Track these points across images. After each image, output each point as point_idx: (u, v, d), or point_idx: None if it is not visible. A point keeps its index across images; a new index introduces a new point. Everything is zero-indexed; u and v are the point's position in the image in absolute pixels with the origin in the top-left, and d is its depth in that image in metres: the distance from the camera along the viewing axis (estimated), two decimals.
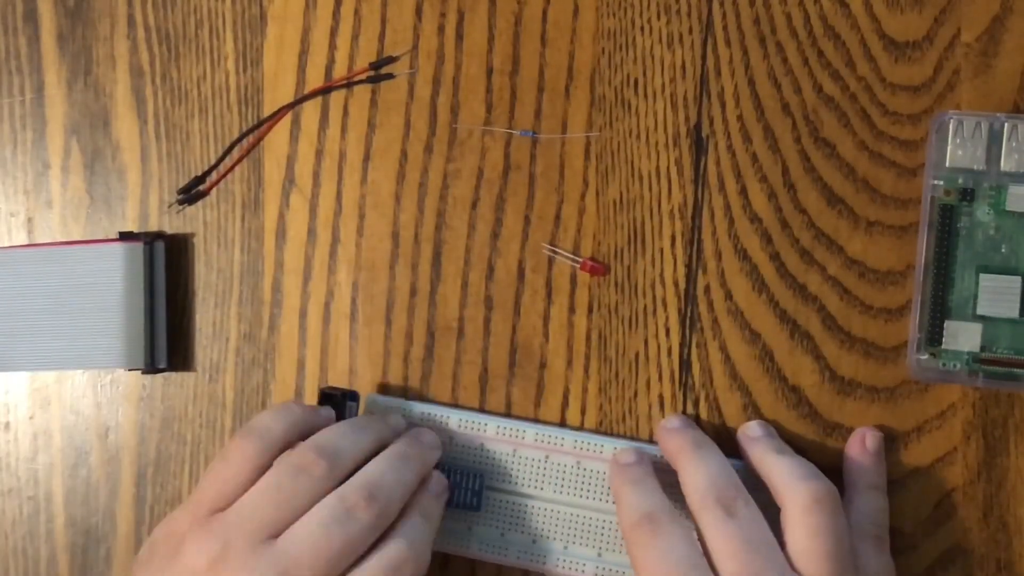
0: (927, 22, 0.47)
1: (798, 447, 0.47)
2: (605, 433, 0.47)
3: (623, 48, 0.48)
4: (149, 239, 0.49)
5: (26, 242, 0.51)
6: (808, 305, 0.47)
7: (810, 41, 0.47)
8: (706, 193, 0.48)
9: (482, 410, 0.48)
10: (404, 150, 0.49)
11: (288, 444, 0.43)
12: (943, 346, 0.45)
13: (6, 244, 0.51)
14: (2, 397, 0.51)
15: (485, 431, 0.47)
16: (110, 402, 0.50)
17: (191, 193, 0.50)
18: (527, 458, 0.47)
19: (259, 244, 0.50)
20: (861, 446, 0.45)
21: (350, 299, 0.49)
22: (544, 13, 0.48)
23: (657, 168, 0.48)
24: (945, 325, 0.45)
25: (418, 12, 0.49)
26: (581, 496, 0.46)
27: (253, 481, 0.42)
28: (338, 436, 0.44)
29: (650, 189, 0.48)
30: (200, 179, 0.50)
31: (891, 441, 0.46)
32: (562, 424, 0.48)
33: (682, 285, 0.48)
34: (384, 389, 0.49)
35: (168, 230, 0.50)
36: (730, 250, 0.47)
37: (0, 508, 0.51)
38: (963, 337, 0.45)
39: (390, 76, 0.49)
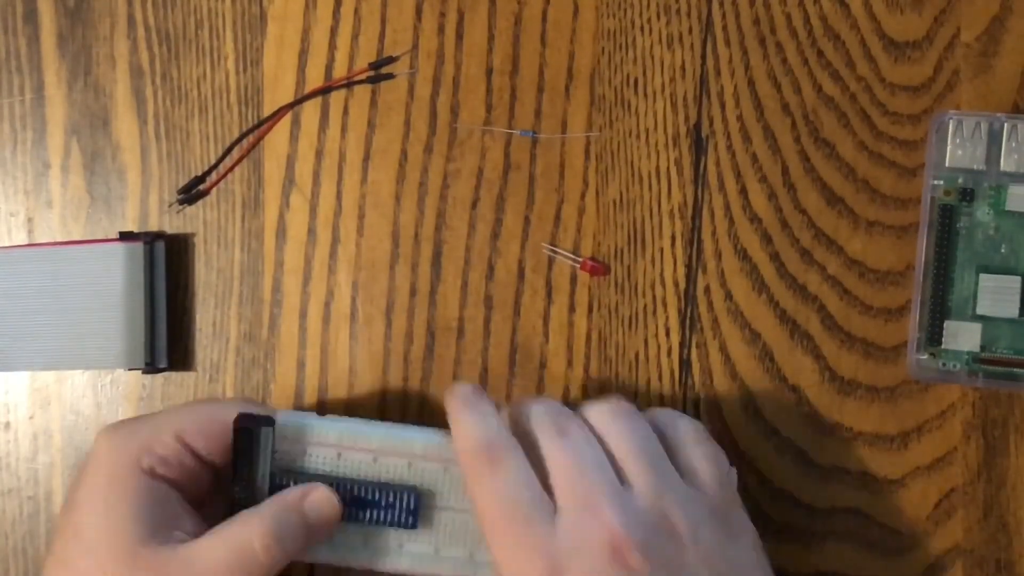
0: (927, 22, 0.47)
1: (798, 447, 0.47)
2: None
3: (623, 48, 0.48)
4: (149, 239, 0.49)
5: (26, 242, 0.51)
6: (808, 305, 0.47)
7: (810, 41, 0.47)
8: (706, 193, 0.48)
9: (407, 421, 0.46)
10: (404, 150, 0.49)
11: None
12: (943, 346, 0.45)
13: (6, 244, 0.51)
14: (2, 397, 0.51)
15: (413, 448, 0.44)
16: (110, 402, 0.50)
17: (191, 193, 0.50)
18: (457, 475, 0.43)
19: (259, 244, 0.50)
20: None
21: (350, 299, 0.49)
22: (544, 13, 0.48)
23: (657, 168, 0.48)
24: (945, 325, 0.45)
25: (418, 12, 0.49)
26: None
27: None
28: None
29: (650, 189, 0.48)
30: (200, 179, 0.50)
31: (891, 441, 0.46)
32: None
33: (682, 285, 0.48)
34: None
35: (168, 230, 0.50)
36: (730, 250, 0.47)
37: (0, 508, 0.50)
38: (963, 337, 0.45)
39: (390, 76, 0.49)
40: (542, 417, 0.42)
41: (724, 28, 0.47)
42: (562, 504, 0.40)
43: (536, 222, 0.48)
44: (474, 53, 0.49)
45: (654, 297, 0.48)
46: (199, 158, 0.50)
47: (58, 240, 0.51)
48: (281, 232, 0.50)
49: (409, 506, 0.43)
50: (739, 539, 0.41)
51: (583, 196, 0.48)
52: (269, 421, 0.43)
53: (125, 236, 0.49)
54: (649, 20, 0.48)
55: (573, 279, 0.48)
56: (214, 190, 0.50)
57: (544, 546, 0.39)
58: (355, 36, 0.49)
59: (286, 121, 0.50)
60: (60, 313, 0.49)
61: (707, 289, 0.47)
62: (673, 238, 0.48)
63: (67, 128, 0.51)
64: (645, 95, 0.48)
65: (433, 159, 0.49)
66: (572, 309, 0.48)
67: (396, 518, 0.43)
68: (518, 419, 0.42)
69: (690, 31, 0.48)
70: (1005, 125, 0.45)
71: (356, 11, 0.49)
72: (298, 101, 0.49)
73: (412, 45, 0.49)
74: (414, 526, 0.43)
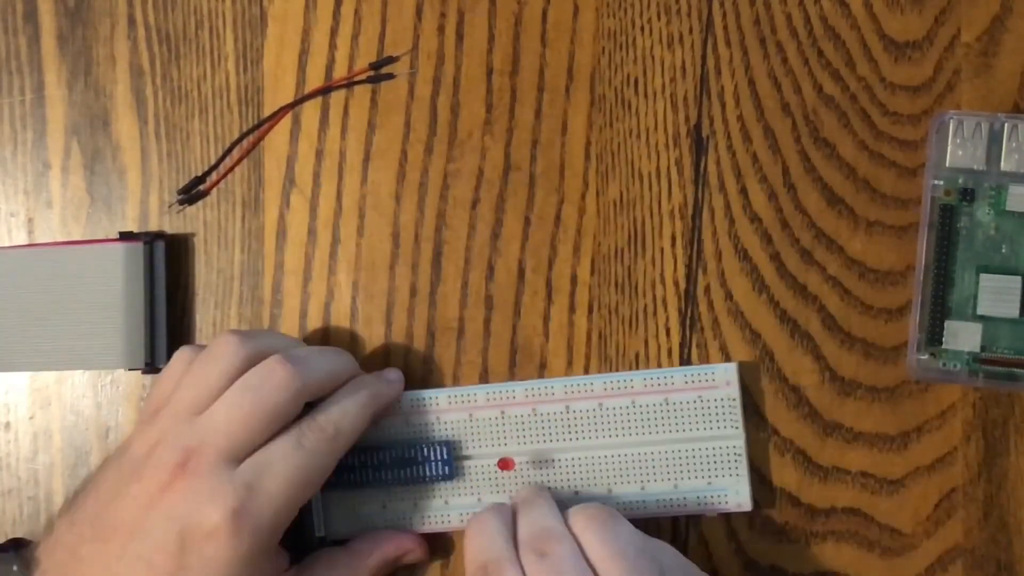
0: (927, 22, 0.47)
1: (798, 447, 0.47)
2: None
3: (623, 48, 0.48)
4: (149, 239, 0.49)
5: (26, 242, 0.51)
6: (808, 305, 0.47)
7: (810, 41, 0.47)
8: (706, 193, 0.48)
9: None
10: (404, 150, 0.49)
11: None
12: (943, 346, 0.45)
13: (6, 244, 0.51)
14: (2, 397, 0.51)
15: (439, 403, 0.47)
16: (110, 402, 0.50)
17: (191, 193, 0.50)
18: (483, 419, 0.47)
19: (259, 244, 0.50)
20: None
21: (350, 299, 0.49)
22: (544, 13, 0.48)
23: (657, 168, 0.48)
24: (945, 325, 0.45)
25: (418, 12, 0.49)
26: (545, 442, 0.47)
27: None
28: (270, 336, 0.46)
29: (650, 189, 0.48)
30: (200, 179, 0.50)
31: (891, 441, 0.46)
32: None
33: (682, 285, 0.48)
34: None
35: (168, 230, 0.50)
36: (730, 250, 0.47)
37: (0, 508, 0.51)
38: (963, 337, 0.45)
39: (390, 76, 0.49)
40: (529, 537, 0.42)
41: (724, 28, 0.47)
42: None
43: (536, 222, 0.48)
44: (474, 53, 0.49)
45: (654, 297, 0.48)
46: (199, 158, 0.50)
47: (58, 240, 0.51)
48: (281, 232, 0.50)
49: (443, 456, 0.46)
50: None
51: (583, 196, 0.48)
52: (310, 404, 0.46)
53: (125, 236, 0.49)
54: (649, 20, 0.48)
55: (573, 279, 0.48)
56: (214, 190, 0.50)
57: None
58: (355, 36, 0.49)
59: (286, 121, 0.50)
60: (60, 313, 0.49)
61: (707, 289, 0.47)
62: (673, 238, 0.48)
63: (67, 128, 0.51)
64: (645, 95, 0.48)
65: (433, 159, 0.49)
66: (572, 309, 0.48)
67: (434, 471, 0.46)
68: (521, 527, 0.43)
69: (690, 31, 0.48)
70: (1005, 125, 0.45)
71: (356, 11, 0.49)
72: (298, 101, 0.49)
73: (412, 45, 0.49)
74: (451, 476, 0.46)
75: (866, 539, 0.46)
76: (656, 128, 0.48)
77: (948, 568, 0.46)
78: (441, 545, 0.48)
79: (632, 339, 0.48)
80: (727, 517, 0.47)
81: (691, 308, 0.48)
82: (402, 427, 0.47)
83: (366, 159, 0.49)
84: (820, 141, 0.47)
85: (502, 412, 0.47)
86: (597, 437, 0.46)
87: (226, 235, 0.50)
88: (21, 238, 0.51)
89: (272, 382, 0.43)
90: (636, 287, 0.48)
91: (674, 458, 0.46)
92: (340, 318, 0.49)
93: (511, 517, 0.44)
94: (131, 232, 0.50)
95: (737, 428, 0.46)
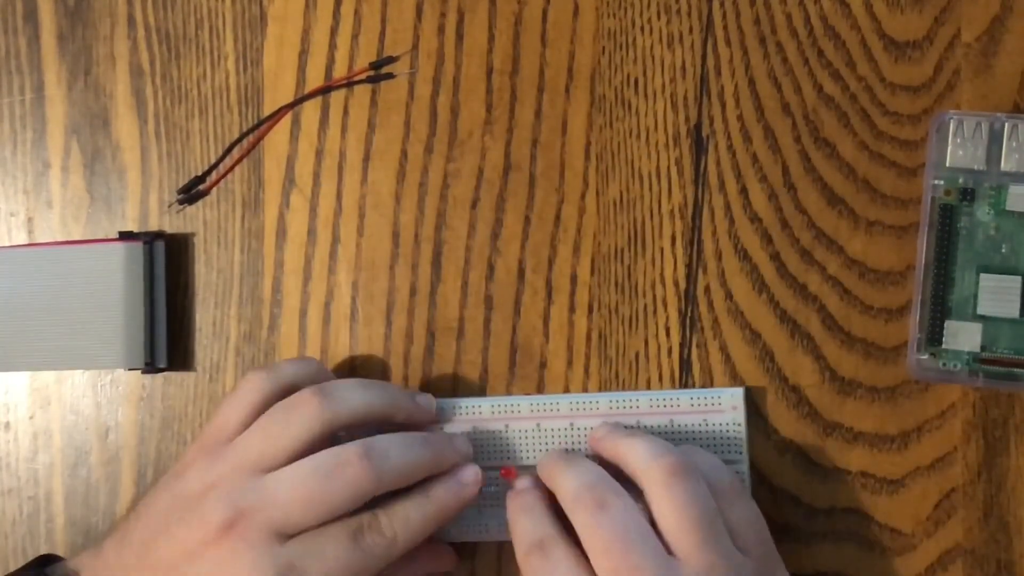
0: (927, 22, 0.47)
1: (798, 447, 0.47)
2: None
3: (623, 48, 0.48)
4: (149, 239, 0.49)
5: (26, 242, 0.51)
6: (808, 305, 0.47)
7: (810, 41, 0.47)
8: (706, 193, 0.48)
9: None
10: (404, 150, 0.49)
11: (297, 387, 0.44)
12: (943, 346, 0.45)
13: (6, 244, 0.51)
14: (2, 397, 0.51)
15: (442, 414, 0.47)
16: (110, 402, 0.50)
17: (191, 193, 0.50)
18: (488, 433, 0.47)
19: (259, 244, 0.50)
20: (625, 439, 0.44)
21: (350, 299, 0.49)
22: (544, 13, 0.48)
23: (657, 168, 0.48)
24: (945, 325, 0.45)
25: (418, 12, 0.49)
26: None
27: (258, 415, 0.43)
28: (344, 385, 0.44)
29: (650, 189, 0.48)
30: (200, 179, 0.50)
31: (891, 441, 0.46)
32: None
33: (682, 285, 0.48)
34: None
35: (168, 230, 0.50)
36: (730, 250, 0.47)
37: (0, 508, 0.50)
38: (963, 337, 0.45)
39: (390, 76, 0.49)
40: (581, 492, 0.41)
41: (724, 28, 0.47)
42: None
43: (536, 222, 0.48)
44: (474, 53, 0.49)
45: (654, 297, 0.48)
46: (199, 158, 0.50)
47: (58, 240, 0.51)
48: (281, 232, 0.50)
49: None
50: None
51: (583, 196, 0.48)
52: None
53: (125, 236, 0.49)
54: (649, 20, 0.48)
55: (573, 279, 0.48)
56: (214, 190, 0.50)
57: None
58: (355, 36, 0.49)
59: (286, 121, 0.50)
60: (60, 313, 0.49)
61: (707, 289, 0.47)
62: (673, 238, 0.48)
63: (67, 128, 0.51)
64: (645, 95, 0.48)
65: (433, 159, 0.49)
66: (572, 309, 0.48)
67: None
68: (558, 493, 0.42)
69: (690, 31, 0.48)
70: (1005, 125, 0.45)
71: (356, 11, 0.49)
72: (298, 101, 0.49)
73: (412, 45, 0.49)
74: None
75: (866, 539, 0.46)
76: (656, 128, 0.48)
77: (948, 568, 0.46)
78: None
79: (632, 339, 0.48)
80: None
81: (691, 308, 0.47)
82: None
83: (366, 159, 0.49)
84: (820, 141, 0.47)
85: (506, 426, 0.47)
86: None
87: (226, 235, 0.50)
88: (21, 238, 0.51)
89: (346, 476, 0.42)
90: (636, 287, 0.48)
91: None
92: (340, 318, 0.49)
93: (545, 491, 0.43)
94: (131, 232, 0.50)
95: (741, 453, 0.46)
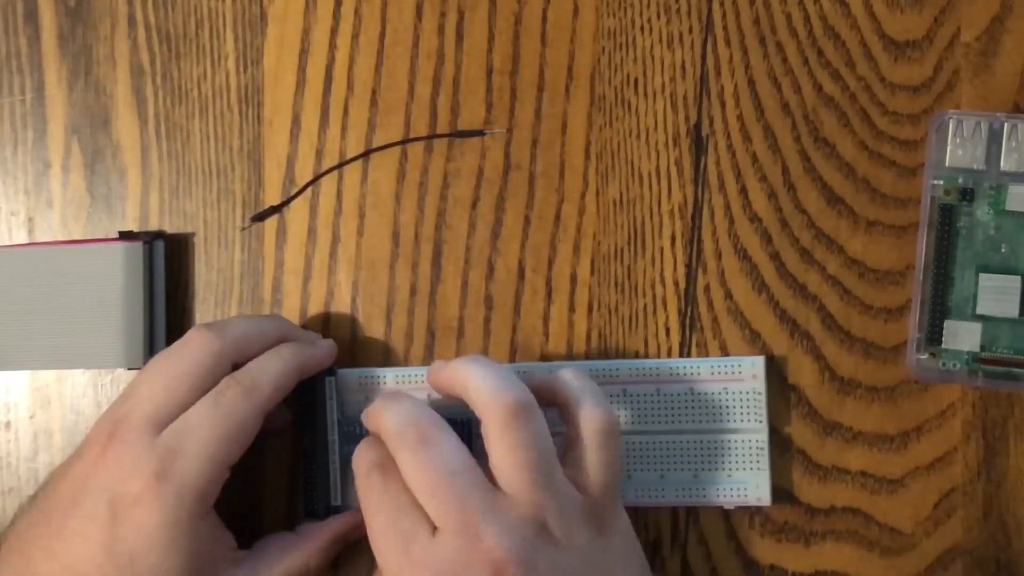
0: (927, 22, 0.47)
1: (798, 447, 0.47)
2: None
3: (623, 48, 0.48)
4: (149, 239, 0.49)
5: (26, 241, 0.51)
6: (808, 305, 0.47)
7: (810, 41, 0.47)
8: (706, 193, 0.48)
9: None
10: (404, 150, 0.49)
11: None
12: (943, 346, 0.45)
13: (6, 243, 0.51)
14: (2, 397, 0.51)
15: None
16: (110, 401, 0.50)
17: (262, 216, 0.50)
18: None
19: (259, 244, 0.50)
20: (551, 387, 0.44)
21: (350, 299, 0.49)
22: (544, 13, 0.48)
23: (657, 168, 0.48)
24: (945, 325, 0.45)
25: (418, 12, 0.49)
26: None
27: None
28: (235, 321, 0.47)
29: (650, 189, 0.48)
30: (275, 209, 0.49)
31: (891, 441, 0.46)
32: None
33: (682, 285, 0.48)
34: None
35: (168, 230, 0.50)
36: (730, 250, 0.47)
37: (0, 508, 0.50)
38: (963, 337, 0.45)
39: (480, 133, 0.48)
40: (403, 429, 0.41)
41: (724, 28, 0.48)
42: (439, 524, 0.40)
43: (536, 222, 0.48)
44: (474, 53, 0.49)
45: (654, 297, 0.48)
46: (199, 158, 0.50)
47: (58, 239, 0.51)
48: (281, 232, 0.50)
49: (463, 432, 0.45)
50: (611, 539, 0.42)
51: (583, 196, 0.48)
52: (331, 371, 0.47)
53: (125, 236, 0.49)
54: (649, 20, 0.48)
55: (573, 278, 0.48)
56: (215, 189, 0.50)
57: (427, 567, 0.40)
58: (355, 36, 0.49)
59: (286, 121, 0.50)
60: (60, 313, 0.49)
61: (707, 289, 0.47)
62: (673, 238, 0.48)
63: (67, 128, 0.51)
64: (645, 95, 0.48)
65: (433, 159, 0.49)
66: (572, 309, 0.48)
67: None
68: (381, 433, 0.42)
69: (690, 31, 0.48)
70: (1005, 125, 0.45)
71: (356, 11, 0.49)
72: (376, 150, 0.49)
73: (412, 44, 0.49)
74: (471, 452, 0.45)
75: (866, 539, 0.46)
76: (656, 128, 0.48)
77: (948, 568, 0.46)
78: None
79: (632, 339, 0.48)
80: (727, 516, 0.47)
81: (691, 308, 0.47)
82: (424, 400, 0.47)
83: (366, 159, 0.49)
84: (820, 141, 0.47)
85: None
86: (622, 423, 0.46)
87: (226, 235, 0.50)
88: (21, 237, 0.51)
89: (190, 346, 0.43)
90: (636, 287, 0.48)
91: (696, 448, 0.46)
92: (340, 318, 0.49)
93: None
94: (131, 232, 0.50)
95: (761, 422, 0.46)
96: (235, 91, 0.50)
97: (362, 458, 0.43)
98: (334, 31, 0.49)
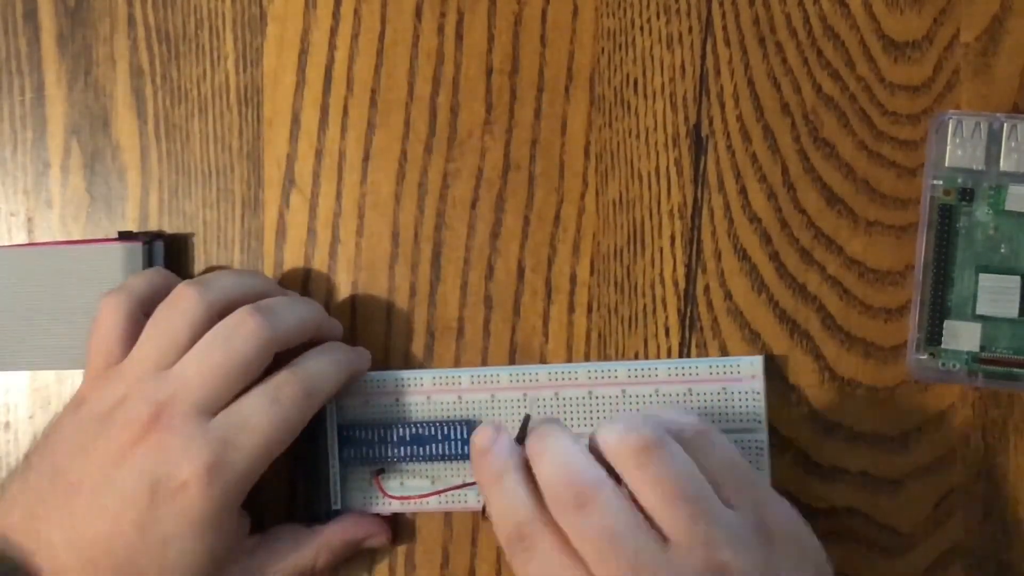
0: (927, 22, 0.47)
1: (797, 447, 0.47)
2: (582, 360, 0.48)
3: (623, 48, 0.48)
4: (148, 239, 0.49)
5: (26, 241, 0.51)
6: (808, 305, 0.47)
7: (810, 41, 0.47)
8: (706, 193, 0.48)
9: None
10: (404, 150, 0.49)
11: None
12: (943, 346, 0.45)
13: (6, 243, 0.51)
14: (2, 397, 0.51)
15: (461, 382, 0.47)
16: None
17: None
18: (505, 400, 0.47)
19: (259, 244, 0.50)
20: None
21: (350, 299, 0.49)
22: (544, 13, 0.49)
23: (657, 168, 0.48)
24: (945, 325, 0.45)
25: (418, 12, 0.49)
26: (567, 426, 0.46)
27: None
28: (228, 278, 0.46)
29: (650, 189, 0.48)
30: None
31: (891, 441, 0.46)
32: None
33: (682, 285, 0.48)
34: None
35: (168, 230, 0.50)
36: (730, 250, 0.47)
37: None
38: (963, 337, 0.45)
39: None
40: (561, 491, 0.38)
41: (724, 28, 0.48)
42: None
43: (536, 222, 0.48)
44: (474, 53, 0.49)
45: (654, 297, 0.48)
46: (199, 158, 0.50)
47: (58, 240, 0.51)
48: (281, 232, 0.50)
49: (463, 436, 0.46)
50: (783, 545, 0.39)
51: (583, 196, 0.48)
52: None
53: (124, 236, 0.49)
54: (649, 20, 0.48)
55: (572, 279, 0.48)
56: (214, 190, 0.50)
57: None
58: (355, 36, 0.49)
59: (286, 121, 0.50)
60: (60, 313, 0.49)
61: (707, 289, 0.47)
62: (673, 238, 0.48)
63: (67, 128, 0.51)
64: (645, 95, 0.48)
65: (433, 159, 0.49)
66: (572, 309, 0.48)
67: (453, 450, 0.46)
68: (540, 481, 0.39)
69: (690, 31, 0.48)
70: (1005, 125, 0.45)
71: (356, 11, 0.49)
72: None
73: (412, 44, 0.49)
74: (470, 456, 0.45)
75: (866, 539, 0.46)
76: (656, 128, 0.48)
77: (948, 568, 0.46)
78: (407, 530, 0.48)
79: (631, 339, 0.48)
80: None
81: (690, 308, 0.47)
82: (423, 404, 0.47)
83: (366, 159, 0.49)
84: (820, 141, 0.47)
85: (524, 395, 0.47)
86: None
87: (226, 235, 0.50)
88: (21, 237, 0.51)
89: (242, 333, 0.43)
90: (636, 287, 0.48)
91: None
92: (340, 318, 0.49)
93: (523, 459, 0.40)
94: (130, 232, 0.50)
95: (760, 422, 0.46)
96: (235, 91, 0.50)
97: (500, 518, 0.39)
98: (334, 31, 0.49)
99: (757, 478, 0.42)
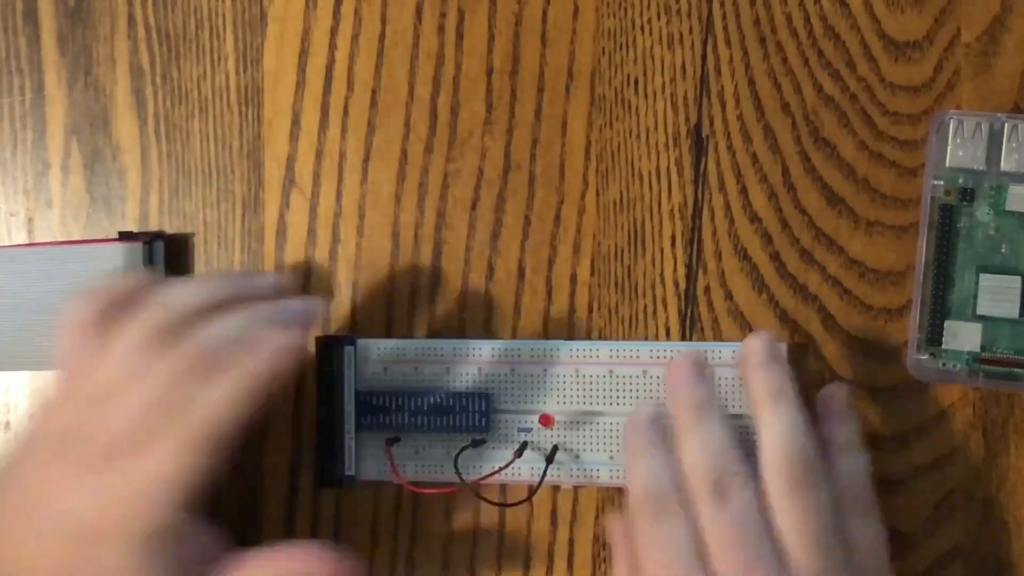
0: (927, 22, 0.47)
1: None
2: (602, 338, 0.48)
3: (623, 48, 0.48)
4: (148, 239, 0.49)
5: (26, 242, 0.51)
6: (808, 305, 0.47)
7: (810, 41, 0.47)
8: (706, 193, 0.48)
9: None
10: (404, 150, 0.49)
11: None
12: (943, 346, 0.45)
13: (6, 244, 0.51)
14: (2, 397, 0.51)
15: (482, 354, 0.47)
16: None
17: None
18: (525, 375, 0.47)
19: (259, 244, 0.50)
20: (828, 405, 0.45)
21: (350, 299, 0.49)
22: (544, 13, 0.48)
23: (657, 168, 0.48)
24: (945, 325, 0.45)
25: (418, 12, 0.49)
26: (584, 404, 0.47)
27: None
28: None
29: (650, 189, 0.48)
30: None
31: (891, 441, 0.46)
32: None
33: (682, 285, 0.48)
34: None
35: (168, 230, 0.50)
36: (730, 250, 0.47)
37: None
38: (963, 337, 0.45)
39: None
40: (704, 472, 0.41)
41: (724, 28, 0.47)
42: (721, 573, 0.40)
43: (536, 222, 0.48)
44: (474, 53, 0.49)
45: (654, 297, 0.48)
46: (199, 158, 0.50)
47: (58, 240, 0.51)
48: (281, 232, 0.50)
49: (481, 408, 0.46)
50: None
51: (583, 196, 0.48)
52: (351, 341, 0.47)
53: (125, 236, 0.49)
54: (649, 20, 0.48)
55: (573, 279, 0.48)
56: (214, 190, 0.50)
57: None
58: (355, 36, 0.49)
59: (286, 121, 0.50)
60: (60, 313, 0.49)
61: (707, 289, 0.47)
62: (673, 238, 0.48)
63: (67, 128, 0.51)
64: (645, 95, 0.48)
65: (433, 159, 0.49)
66: (572, 309, 0.48)
67: (471, 422, 0.47)
68: (683, 460, 0.42)
69: (690, 31, 0.48)
70: (1005, 125, 0.45)
71: (356, 11, 0.49)
72: None
73: (412, 44, 0.49)
74: (487, 428, 0.46)
75: None
76: (656, 128, 0.48)
77: (948, 568, 0.46)
78: (407, 530, 0.48)
79: (632, 339, 0.48)
80: None
81: (691, 308, 0.48)
82: (442, 375, 0.47)
83: (366, 159, 0.49)
84: (820, 141, 0.47)
85: (545, 370, 0.47)
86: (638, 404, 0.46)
87: (226, 235, 0.50)
88: (21, 237, 0.51)
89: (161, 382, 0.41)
90: (636, 287, 0.48)
91: None
92: (340, 318, 0.49)
93: (665, 430, 0.43)
94: (131, 232, 0.50)
95: None
96: (235, 91, 0.50)
97: (636, 482, 0.42)
98: (334, 31, 0.49)
99: (887, 566, 0.43)
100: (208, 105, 0.50)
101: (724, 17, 0.47)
